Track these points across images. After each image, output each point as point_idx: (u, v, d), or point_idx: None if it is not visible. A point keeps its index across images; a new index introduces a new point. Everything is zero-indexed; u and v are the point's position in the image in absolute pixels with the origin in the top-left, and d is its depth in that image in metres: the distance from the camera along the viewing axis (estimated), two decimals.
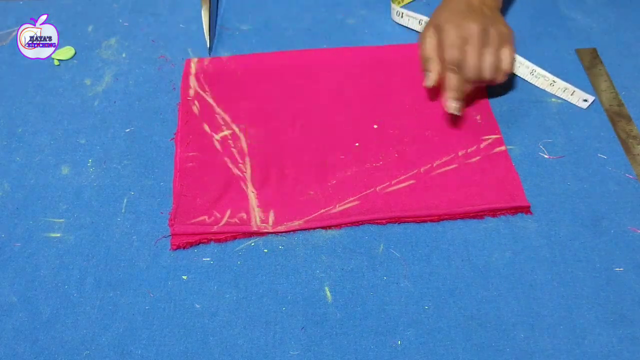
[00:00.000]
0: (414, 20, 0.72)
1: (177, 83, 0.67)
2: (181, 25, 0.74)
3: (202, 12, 0.66)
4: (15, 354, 0.48)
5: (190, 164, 0.59)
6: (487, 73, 0.57)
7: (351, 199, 0.56)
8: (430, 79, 0.59)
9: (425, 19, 0.71)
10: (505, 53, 0.57)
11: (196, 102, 0.64)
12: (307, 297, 0.50)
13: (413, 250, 0.53)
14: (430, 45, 0.59)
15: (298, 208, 0.55)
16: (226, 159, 0.60)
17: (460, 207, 0.55)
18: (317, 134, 0.62)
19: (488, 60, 0.56)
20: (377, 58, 0.69)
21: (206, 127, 0.62)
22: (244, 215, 0.55)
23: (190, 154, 0.60)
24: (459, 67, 0.56)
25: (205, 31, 0.64)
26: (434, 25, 0.59)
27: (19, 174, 0.60)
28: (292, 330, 0.48)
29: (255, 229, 0.54)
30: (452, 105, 0.57)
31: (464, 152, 0.59)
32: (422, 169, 0.58)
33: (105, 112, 0.65)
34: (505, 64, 0.58)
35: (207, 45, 0.64)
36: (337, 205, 0.55)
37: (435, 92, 0.65)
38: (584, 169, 0.58)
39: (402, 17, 0.72)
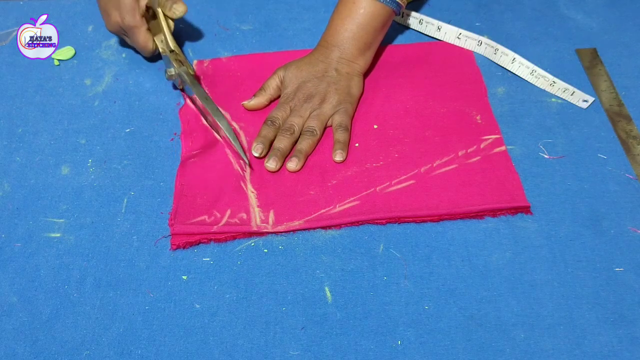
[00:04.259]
0: (415, 20, 0.72)
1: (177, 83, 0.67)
2: (181, 25, 0.74)
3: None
4: (15, 354, 0.48)
5: (192, 162, 0.59)
6: None
7: (351, 199, 0.56)
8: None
9: (426, 18, 0.71)
10: None
11: (197, 101, 0.64)
12: (307, 297, 0.50)
13: (413, 250, 0.53)
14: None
15: (298, 208, 0.55)
16: (226, 158, 0.60)
17: (460, 207, 0.54)
18: None
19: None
20: (377, 58, 0.69)
21: (207, 126, 0.62)
22: (244, 215, 0.55)
23: (192, 152, 0.60)
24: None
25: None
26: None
27: (19, 174, 0.60)
28: (292, 330, 0.48)
29: (255, 229, 0.54)
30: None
31: (464, 152, 0.59)
32: (422, 169, 0.58)
33: (105, 112, 0.65)
34: None
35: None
36: (337, 205, 0.55)
37: (435, 92, 0.65)
38: (584, 169, 0.58)
39: (402, 16, 0.72)
